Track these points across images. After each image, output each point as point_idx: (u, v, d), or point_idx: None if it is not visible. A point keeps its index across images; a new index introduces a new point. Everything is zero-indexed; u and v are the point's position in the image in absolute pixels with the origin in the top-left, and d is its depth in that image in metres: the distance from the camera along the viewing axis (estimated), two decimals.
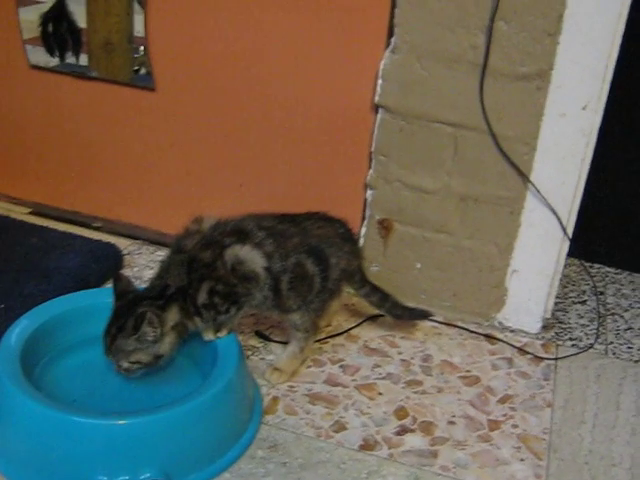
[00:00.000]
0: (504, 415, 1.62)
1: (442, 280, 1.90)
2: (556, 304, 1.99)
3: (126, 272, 1.96)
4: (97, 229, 2.15)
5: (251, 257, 1.54)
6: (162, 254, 2.02)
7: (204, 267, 1.52)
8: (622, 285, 2.20)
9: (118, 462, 1.31)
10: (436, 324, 1.89)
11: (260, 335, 1.78)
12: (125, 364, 1.47)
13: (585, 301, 2.08)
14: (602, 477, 1.49)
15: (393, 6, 1.73)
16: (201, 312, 1.51)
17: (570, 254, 1.91)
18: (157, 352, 1.47)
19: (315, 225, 1.66)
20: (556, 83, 1.68)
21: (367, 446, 1.50)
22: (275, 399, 1.59)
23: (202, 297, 1.51)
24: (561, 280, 1.95)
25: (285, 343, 1.72)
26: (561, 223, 1.78)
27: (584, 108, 1.69)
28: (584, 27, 1.63)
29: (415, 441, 1.53)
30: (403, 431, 1.55)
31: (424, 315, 1.85)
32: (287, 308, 1.62)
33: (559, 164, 1.74)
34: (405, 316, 1.83)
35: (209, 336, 1.53)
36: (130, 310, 1.47)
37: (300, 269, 1.59)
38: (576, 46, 1.65)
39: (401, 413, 1.59)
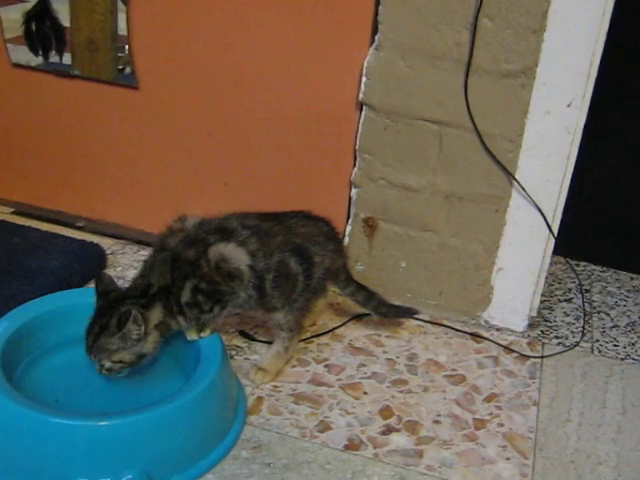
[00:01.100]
0: (490, 414, 1.61)
1: (428, 279, 1.90)
2: (542, 302, 1.98)
3: (109, 272, 1.94)
4: (80, 229, 2.13)
5: (235, 255, 1.53)
6: (146, 253, 2.01)
7: (188, 265, 1.50)
8: (608, 283, 2.20)
9: (99, 464, 1.30)
10: (422, 323, 1.89)
11: (244, 335, 1.77)
12: (108, 363, 1.45)
13: (571, 299, 2.08)
14: (588, 475, 1.48)
15: (377, 3, 1.72)
16: (184, 311, 1.50)
17: (556, 252, 1.91)
18: (140, 351, 1.45)
19: (299, 224, 1.65)
20: (541, 80, 1.68)
21: (352, 446, 1.49)
22: (259, 399, 1.58)
23: (186, 295, 1.49)
24: (547, 278, 1.95)
25: (270, 343, 1.70)
26: (546, 221, 1.78)
27: (569, 105, 1.68)
28: (568, 24, 1.63)
29: (400, 441, 1.52)
30: (388, 431, 1.54)
31: (410, 313, 1.84)
32: (271, 307, 1.61)
33: (544, 162, 1.74)
34: (391, 314, 1.82)
35: (192, 336, 1.52)
36: (113, 309, 1.46)
37: (284, 268, 1.58)
38: (561, 43, 1.64)
39: (386, 413, 1.58)
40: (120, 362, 1.45)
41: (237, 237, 1.56)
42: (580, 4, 1.61)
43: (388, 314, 1.82)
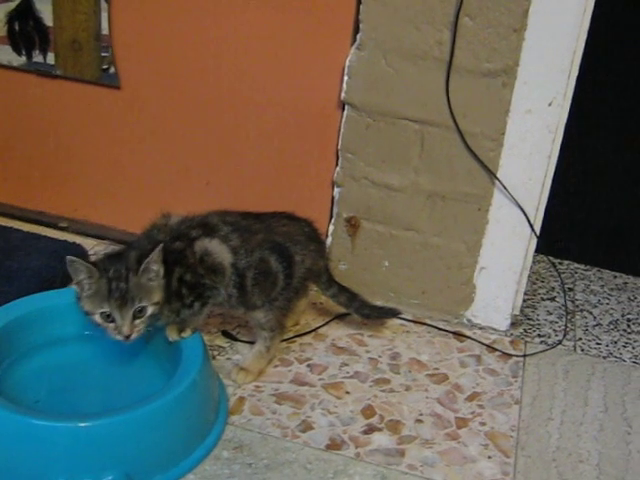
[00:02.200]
0: (472, 413, 1.62)
1: (410, 278, 1.90)
2: (525, 301, 1.99)
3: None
4: (63, 229, 2.12)
5: (219, 250, 1.54)
6: None
7: (176, 253, 1.50)
8: (591, 281, 2.21)
9: (80, 464, 1.29)
10: (404, 322, 1.89)
11: (227, 335, 1.77)
12: (149, 307, 1.42)
13: (554, 298, 2.09)
14: (570, 474, 1.49)
15: (358, 3, 1.72)
16: (170, 299, 1.50)
17: (539, 251, 1.91)
18: (160, 293, 1.44)
19: (279, 223, 1.65)
20: (522, 79, 1.68)
21: (334, 445, 1.48)
22: (241, 399, 1.58)
23: (173, 284, 1.49)
24: (530, 277, 1.96)
25: (252, 343, 1.70)
26: (528, 220, 1.78)
27: (550, 104, 1.69)
28: (549, 23, 1.63)
29: (382, 440, 1.51)
30: (370, 430, 1.54)
31: (393, 313, 1.84)
32: (251, 305, 1.61)
33: (526, 161, 1.74)
34: (373, 315, 1.82)
35: (173, 336, 1.51)
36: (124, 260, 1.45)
37: (264, 265, 1.59)
38: (541, 42, 1.65)
39: (368, 412, 1.58)
40: (157, 304, 1.43)
41: (219, 232, 1.56)
42: (561, 3, 1.61)
43: (371, 315, 1.81)
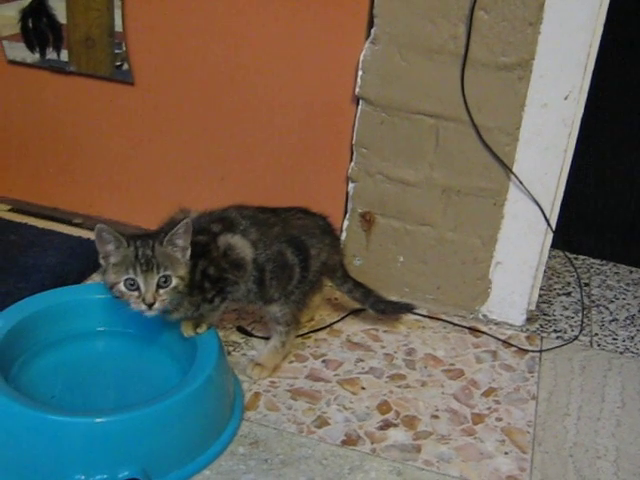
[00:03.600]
0: (488, 408, 1.61)
1: (425, 273, 1.89)
2: (541, 296, 1.98)
3: None
4: (77, 225, 2.12)
5: (241, 245, 1.55)
6: None
7: (200, 246, 1.51)
8: (607, 276, 2.19)
9: (96, 460, 1.29)
10: (420, 317, 1.88)
11: (242, 330, 1.77)
12: (173, 278, 1.42)
13: (570, 293, 2.07)
14: (587, 470, 1.48)
15: None
16: (192, 292, 1.50)
17: (555, 246, 1.90)
18: (186, 272, 1.45)
19: (295, 217, 1.66)
20: (538, 73, 1.67)
21: (349, 441, 1.48)
22: (257, 395, 1.57)
23: (196, 276, 1.50)
24: (546, 272, 1.94)
25: (267, 338, 1.70)
26: (544, 214, 1.77)
27: (566, 98, 1.67)
28: (565, 16, 1.62)
29: (398, 436, 1.51)
30: (386, 426, 1.53)
31: (408, 308, 1.84)
32: (268, 298, 1.61)
33: (541, 155, 1.73)
34: (389, 310, 1.82)
35: (188, 332, 1.51)
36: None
37: (281, 258, 1.59)
38: (557, 35, 1.64)
39: (384, 408, 1.58)
40: (182, 279, 1.43)
41: (239, 227, 1.57)
42: None
43: (386, 311, 1.81)
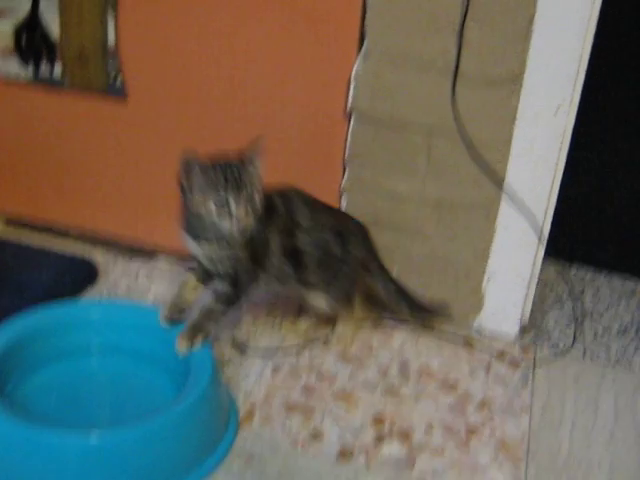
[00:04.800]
0: (482, 421, 1.61)
1: (419, 286, 1.89)
2: (534, 308, 1.98)
3: (101, 283, 1.95)
4: (73, 239, 2.13)
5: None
6: (138, 264, 2.03)
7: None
8: (600, 287, 2.19)
9: (91, 477, 1.30)
10: (414, 330, 1.88)
11: (237, 345, 1.77)
12: (256, 197, 1.50)
13: (563, 304, 2.08)
14: None
15: (364, 12, 1.72)
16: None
17: (547, 257, 1.91)
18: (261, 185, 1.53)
19: (339, 212, 1.82)
20: (528, 86, 1.68)
21: (344, 455, 1.48)
22: (251, 409, 1.58)
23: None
24: (539, 283, 1.95)
25: (261, 353, 1.73)
26: (536, 226, 1.78)
27: (557, 111, 1.68)
28: (554, 30, 1.63)
29: (392, 449, 1.51)
30: (380, 439, 1.53)
31: (443, 311, 1.86)
32: (309, 283, 1.71)
33: (533, 167, 1.74)
34: (424, 312, 1.85)
35: (182, 345, 1.51)
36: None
37: (326, 246, 1.69)
38: (547, 49, 1.64)
39: (378, 421, 1.58)
40: (260, 198, 1.51)
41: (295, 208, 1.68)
42: (566, 10, 1.61)
43: (421, 312, 1.84)
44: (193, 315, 1.58)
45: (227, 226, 1.48)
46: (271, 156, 1.90)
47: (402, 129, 1.77)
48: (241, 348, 1.76)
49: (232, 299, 1.60)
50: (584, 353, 1.88)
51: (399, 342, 1.85)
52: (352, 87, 1.77)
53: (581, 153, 1.89)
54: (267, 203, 1.56)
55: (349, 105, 1.79)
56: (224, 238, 1.52)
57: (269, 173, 1.91)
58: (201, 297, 1.63)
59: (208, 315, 1.57)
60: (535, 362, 1.82)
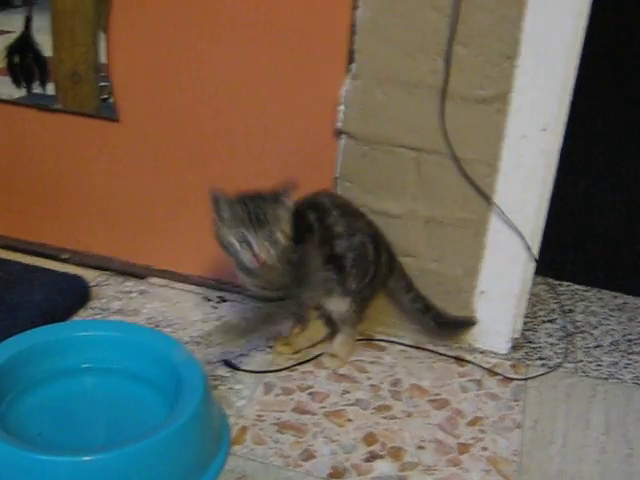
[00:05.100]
0: (473, 438, 1.62)
1: None
2: (525, 323, 1.99)
3: (93, 304, 1.95)
4: (65, 261, 2.13)
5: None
6: (130, 284, 2.04)
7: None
8: (591, 302, 2.21)
9: None
10: (405, 347, 1.89)
11: (229, 364, 1.77)
12: (279, 234, 1.55)
13: (554, 319, 2.09)
14: None
15: (352, 33, 1.74)
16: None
17: (538, 272, 1.92)
18: (287, 225, 1.58)
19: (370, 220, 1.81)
20: (516, 105, 1.70)
21: (336, 474, 1.49)
22: (243, 429, 1.58)
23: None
24: (530, 299, 1.96)
25: (253, 372, 1.72)
26: (526, 243, 1.79)
27: (544, 129, 1.70)
28: (541, 49, 1.65)
29: (384, 467, 1.52)
30: (372, 457, 1.54)
31: (469, 323, 1.88)
32: (347, 288, 1.73)
33: (521, 185, 1.75)
34: (450, 324, 1.88)
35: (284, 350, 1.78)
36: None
37: (363, 250, 1.73)
38: (534, 69, 1.66)
39: (370, 439, 1.59)
40: (286, 235, 1.56)
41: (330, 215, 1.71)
42: (552, 30, 1.63)
43: (448, 324, 1.87)
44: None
45: (248, 261, 1.55)
46: (262, 177, 1.93)
47: (391, 148, 1.79)
48: (233, 367, 1.76)
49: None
50: (575, 368, 1.89)
51: (390, 359, 1.85)
52: (341, 107, 1.79)
53: (570, 172, 1.91)
54: (302, 221, 1.64)
55: (339, 125, 1.80)
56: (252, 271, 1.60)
57: None
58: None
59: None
60: (526, 378, 1.82)
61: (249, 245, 1.53)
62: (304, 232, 1.64)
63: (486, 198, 1.77)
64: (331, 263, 1.71)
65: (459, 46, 1.68)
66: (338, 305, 1.76)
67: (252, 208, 1.54)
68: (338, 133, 1.82)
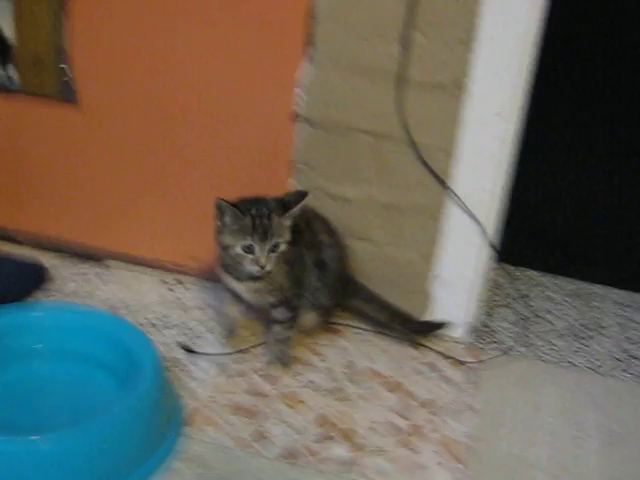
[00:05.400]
0: (425, 420, 1.64)
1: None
2: (481, 308, 2.01)
3: (49, 286, 1.95)
4: (21, 243, 2.12)
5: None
6: (87, 267, 2.03)
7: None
8: (547, 288, 2.23)
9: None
10: (360, 331, 1.90)
11: (184, 347, 1.78)
12: (282, 242, 1.61)
13: (510, 305, 2.11)
14: (520, 478, 1.51)
15: (310, 17, 1.74)
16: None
17: (496, 259, 1.94)
18: (289, 234, 1.64)
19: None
20: (472, 91, 1.71)
21: (287, 455, 1.50)
22: (196, 411, 1.59)
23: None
24: (487, 284, 1.98)
25: (209, 354, 1.74)
26: (482, 229, 1.81)
27: (499, 115, 1.71)
28: (497, 36, 1.66)
29: (335, 449, 1.53)
30: (324, 439, 1.55)
31: (440, 326, 1.89)
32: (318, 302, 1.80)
33: (477, 171, 1.76)
34: (423, 330, 1.89)
35: (286, 374, 1.72)
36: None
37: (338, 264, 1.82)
38: (490, 55, 1.67)
39: (322, 421, 1.60)
40: (287, 242, 1.63)
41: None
42: (508, 17, 1.64)
43: (419, 330, 1.89)
44: (271, 346, 1.77)
45: (252, 270, 1.61)
46: (219, 159, 1.93)
47: (349, 134, 1.80)
48: (189, 350, 1.77)
49: (294, 318, 1.75)
50: (529, 352, 1.91)
51: (346, 343, 1.87)
52: (299, 92, 1.79)
53: (529, 159, 1.92)
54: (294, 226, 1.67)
55: (296, 109, 1.81)
56: (252, 277, 1.66)
57: (218, 178, 1.94)
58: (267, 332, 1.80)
59: (286, 342, 1.76)
60: (480, 362, 1.84)
61: (253, 253, 1.59)
62: (295, 232, 1.67)
63: (442, 184, 1.78)
64: (317, 268, 1.76)
65: (416, 32, 1.68)
66: (307, 319, 1.80)
67: (258, 221, 1.59)
68: (295, 117, 1.82)
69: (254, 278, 1.66)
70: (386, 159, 1.80)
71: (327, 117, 1.79)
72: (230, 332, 1.82)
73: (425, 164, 1.78)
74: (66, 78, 1.97)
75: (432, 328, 1.89)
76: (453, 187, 1.78)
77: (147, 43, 1.88)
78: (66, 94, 1.98)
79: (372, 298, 1.88)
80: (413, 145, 1.77)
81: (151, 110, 1.93)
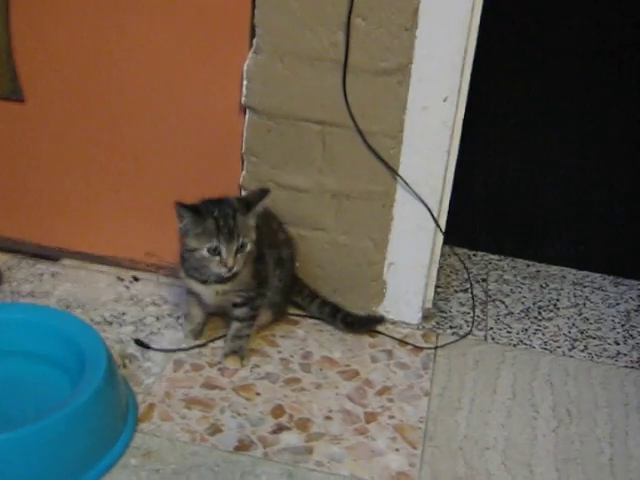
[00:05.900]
0: (381, 407, 1.64)
1: (322, 277, 1.92)
2: (438, 294, 2.02)
3: (5, 287, 1.93)
4: None
5: None
6: (42, 267, 2.02)
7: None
8: (504, 271, 2.25)
9: None
10: (317, 321, 1.90)
11: (139, 343, 1.77)
12: (248, 242, 1.60)
13: (467, 289, 2.12)
14: (476, 461, 1.53)
15: (253, 7, 1.73)
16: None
17: (453, 244, 1.95)
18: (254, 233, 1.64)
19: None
20: (416, 77, 1.71)
21: (242, 447, 1.50)
22: (151, 406, 1.58)
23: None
24: (444, 270, 1.99)
25: (164, 351, 1.73)
26: (432, 214, 1.81)
27: (445, 100, 1.72)
28: (439, 21, 1.66)
29: (291, 439, 1.53)
30: (279, 429, 1.55)
31: (377, 321, 1.90)
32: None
33: (425, 156, 1.77)
34: (359, 325, 1.88)
35: (236, 366, 1.72)
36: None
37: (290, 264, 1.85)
38: (433, 40, 1.68)
39: (278, 412, 1.60)
40: (253, 241, 1.62)
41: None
42: (450, 2, 1.64)
43: (356, 325, 1.87)
44: (228, 341, 1.75)
45: (219, 272, 1.60)
46: (169, 153, 1.92)
47: (296, 123, 1.79)
48: (144, 346, 1.76)
49: (254, 317, 1.75)
50: (485, 336, 1.92)
51: (302, 333, 1.87)
52: (245, 82, 1.78)
53: (479, 143, 1.93)
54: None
55: (243, 100, 1.80)
56: (219, 279, 1.64)
57: (169, 172, 1.93)
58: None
59: (243, 338, 1.74)
60: (437, 347, 1.85)
61: (219, 255, 1.57)
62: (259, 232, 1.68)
63: (391, 170, 1.79)
64: (277, 267, 1.77)
65: (358, 18, 1.68)
66: (263, 315, 1.80)
67: (222, 221, 1.57)
68: (244, 108, 1.81)
69: (221, 280, 1.64)
70: (335, 147, 1.80)
71: (273, 107, 1.79)
72: (197, 333, 1.80)
73: (373, 151, 1.78)
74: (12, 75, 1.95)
75: (371, 323, 1.90)
76: (402, 173, 1.79)
77: (91, 40, 1.86)
78: (13, 92, 1.96)
79: (315, 295, 1.89)
80: (360, 132, 1.77)
81: (99, 106, 1.92)
